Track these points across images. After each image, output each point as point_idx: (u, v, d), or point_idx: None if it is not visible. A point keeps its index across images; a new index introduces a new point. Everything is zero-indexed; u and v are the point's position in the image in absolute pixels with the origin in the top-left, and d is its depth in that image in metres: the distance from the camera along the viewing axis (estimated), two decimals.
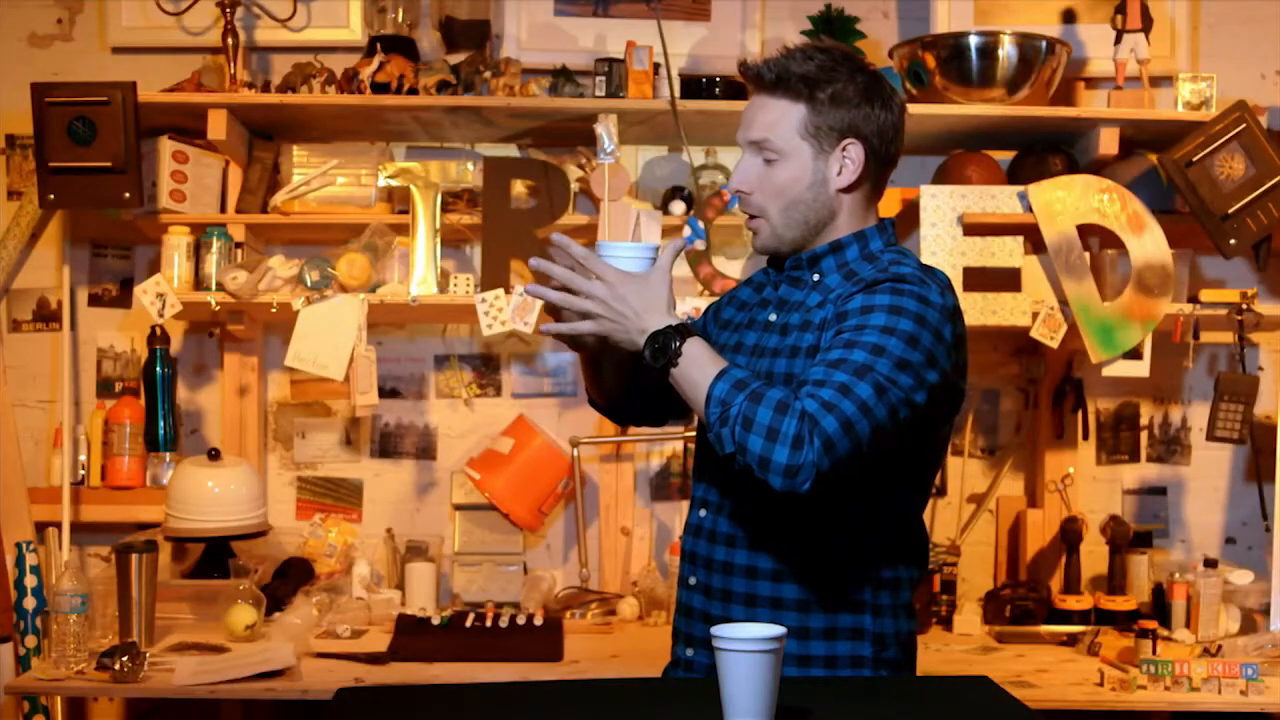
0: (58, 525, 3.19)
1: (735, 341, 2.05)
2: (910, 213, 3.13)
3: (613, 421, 2.30)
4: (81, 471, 3.28)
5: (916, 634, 2.05)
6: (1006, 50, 3.08)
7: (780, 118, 1.94)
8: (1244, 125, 3.00)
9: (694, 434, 3.25)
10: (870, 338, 1.81)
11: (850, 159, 1.95)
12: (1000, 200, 3.06)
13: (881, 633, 1.95)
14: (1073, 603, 3.11)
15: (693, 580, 2.04)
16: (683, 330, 1.82)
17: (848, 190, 1.97)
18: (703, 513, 2.03)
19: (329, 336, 3.08)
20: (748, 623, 1.65)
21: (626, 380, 2.12)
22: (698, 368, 1.81)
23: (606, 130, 3.07)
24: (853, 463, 1.76)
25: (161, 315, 3.07)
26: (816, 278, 1.98)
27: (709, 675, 1.93)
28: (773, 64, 1.94)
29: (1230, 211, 3.00)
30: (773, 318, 2.01)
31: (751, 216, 1.99)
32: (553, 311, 1.90)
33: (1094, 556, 3.26)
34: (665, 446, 3.40)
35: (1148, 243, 3.03)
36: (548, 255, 1.90)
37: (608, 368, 2.09)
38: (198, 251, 3.15)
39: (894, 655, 1.98)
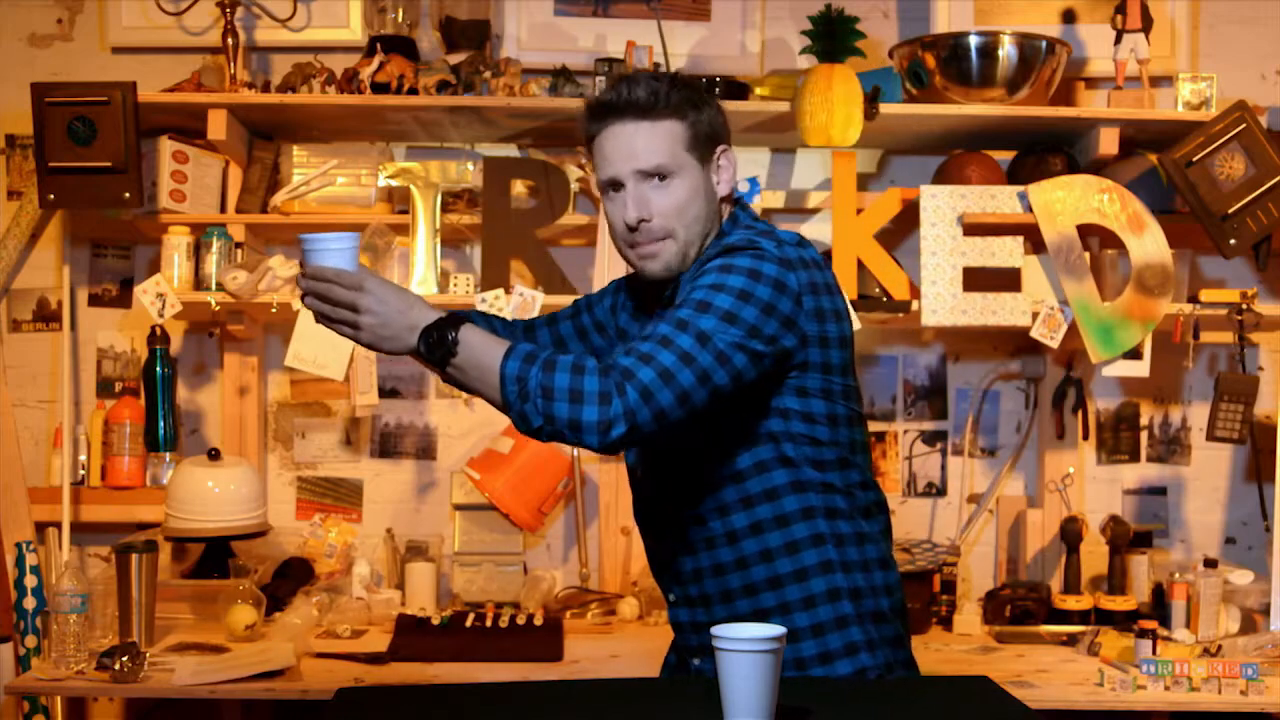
0: (58, 525, 3.19)
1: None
2: (910, 213, 3.13)
3: None
4: (81, 471, 3.28)
5: (900, 585, 2.04)
6: (1006, 50, 3.08)
7: (665, 137, 1.94)
8: (1244, 125, 3.00)
9: None
10: (697, 295, 1.83)
11: (725, 164, 2.00)
12: (1000, 200, 3.06)
13: (856, 587, 1.95)
14: (1073, 603, 3.11)
15: (672, 597, 2.07)
16: (455, 320, 1.80)
17: (730, 193, 2.01)
18: (649, 539, 2.07)
19: (329, 336, 3.05)
20: (745, 623, 1.65)
21: None
22: (481, 352, 1.78)
23: None
24: (682, 411, 1.76)
25: (161, 315, 3.07)
26: None
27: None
28: (639, 87, 1.93)
29: (1230, 211, 3.00)
30: None
31: (658, 240, 1.96)
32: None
33: (1094, 556, 3.26)
34: None
35: (1148, 243, 3.03)
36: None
37: None
38: (198, 251, 3.15)
39: (874, 606, 1.97)
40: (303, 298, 1.84)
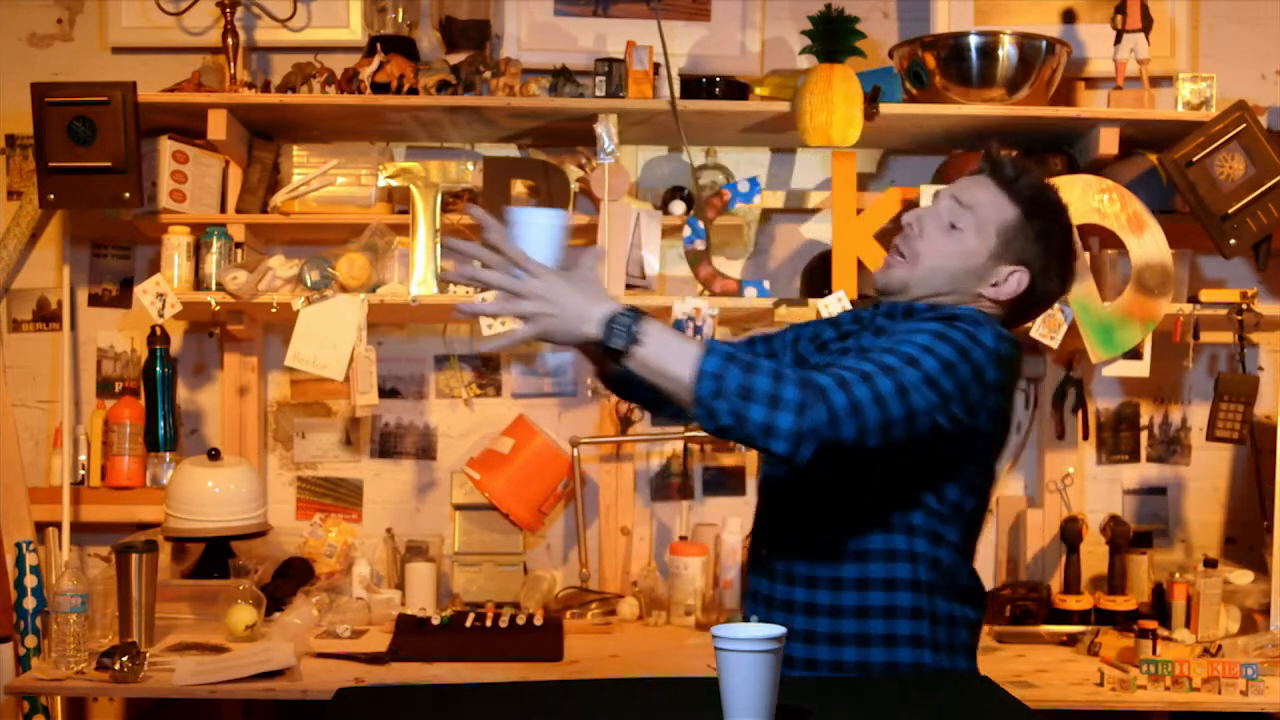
0: (58, 525, 3.19)
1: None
2: None
3: (645, 409, 2.28)
4: (81, 471, 3.28)
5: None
6: (1006, 50, 3.08)
7: (995, 203, 1.98)
8: (1244, 125, 3.00)
9: (694, 434, 3.26)
10: (906, 349, 1.83)
11: (1013, 283, 2.00)
12: None
13: (940, 668, 1.98)
14: (1073, 603, 3.11)
15: (754, 619, 2.06)
16: (638, 310, 1.77)
17: (991, 300, 2.01)
18: (764, 551, 2.06)
19: (329, 336, 3.08)
20: (745, 623, 1.65)
21: None
22: (672, 343, 1.76)
23: (606, 130, 3.07)
24: (857, 448, 1.75)
25: (161, 315, 3.07)
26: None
27: None
28: (1018, 165, 2.00)
29: (1230, 211, 3.00)
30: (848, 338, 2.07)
31: (899, 253, 2.00)
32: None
33: (1094, 556, 3.26)
34: (665, 447, 3.40)
35: (1148, 243, 3.03)
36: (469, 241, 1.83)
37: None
38: (198, 251, 3.15)
39: None
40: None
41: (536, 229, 1.79)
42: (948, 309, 1.96)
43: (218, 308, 3.10)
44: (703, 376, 1.73)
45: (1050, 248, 2.00)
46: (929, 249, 2.00)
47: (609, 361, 2.05)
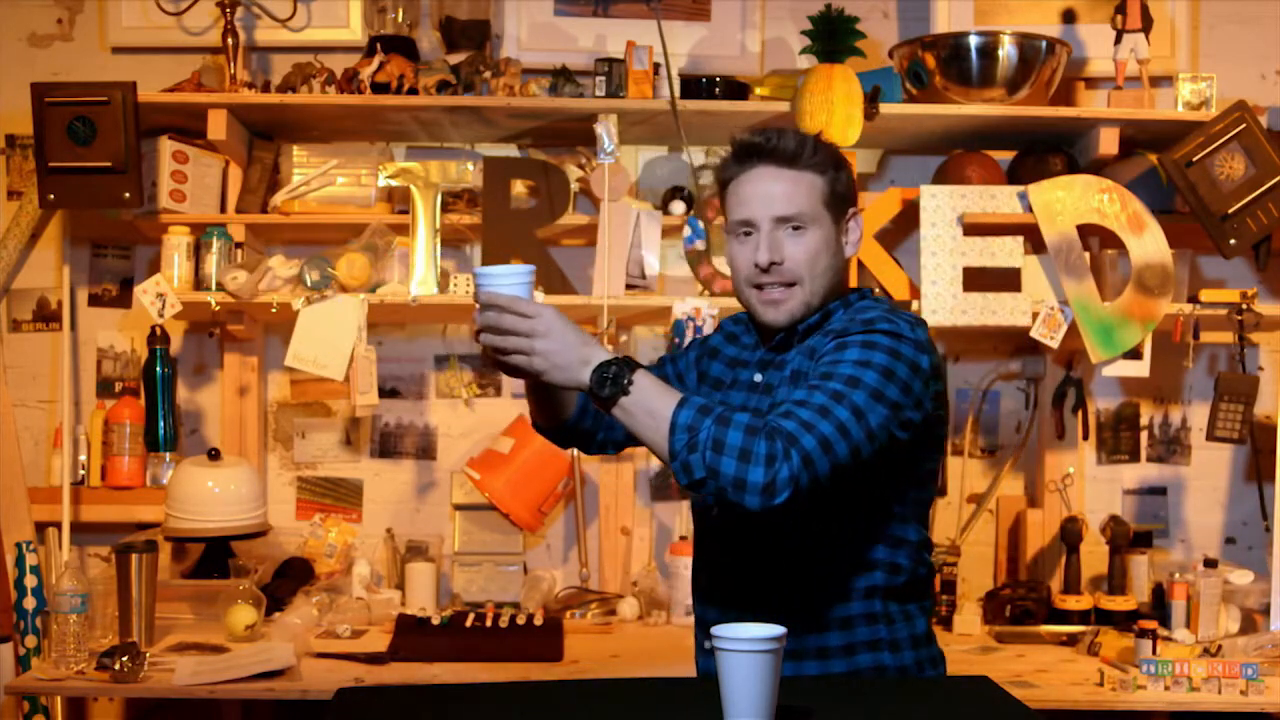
0: (58, 525, 3.19)
1: (720, 400, 2.05)
2: (910, 213, 3.13)
3: (555, 444, 2.25)
4: (81, 471, 3.28)
5: (938, 656, 2.06)
6: (1006, 50, 3.08)
7: (806, 189, 1.97)
8: (1244, 125, 3.00)
9: None
10: (845, 370, 1.84)
11: (853, 227, 2.03)
12: (1000, 200, 3.06)
13: (903, 665, 1.98)
14: (1073, 603, 3.11)
15: (708, 645, 2.06)
16: (630, 361, 1.80)
17: (850, 259, 2.04)
18: (703, 580, 2.08)
19: (329, 336, 3.08)
20: (745, 623, 1.64)
21: (573, 405, 2.12)
22: (654, 396, 1.79)
23: (606, 130, 3.07)
24: (832, 483, 1.78)
25: (161, 315, 3.07)
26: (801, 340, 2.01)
27: None
28: (788, 137, 1.97)
29: (1230, 211, 3.00)
30: (757, 378, 2.03)
31: (785, 286, 1.98)
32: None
33: (1094, 556, 3.26)
34: None
35: (1148, 243, 3.03)
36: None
37: (556, 393, 2.06)
38: (198, 251, 3.15)
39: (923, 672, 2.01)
40: (477, 335, 1.83)
41: (505, 286, 1.82)
42: (853, 317, 1.95)
43: (218, 308, 3.10)
44: (675, 429, 1.76)
45: (847, 172, 2.01)
46: (801, 265, 1.97)
47: (552, 411, 2.09)
